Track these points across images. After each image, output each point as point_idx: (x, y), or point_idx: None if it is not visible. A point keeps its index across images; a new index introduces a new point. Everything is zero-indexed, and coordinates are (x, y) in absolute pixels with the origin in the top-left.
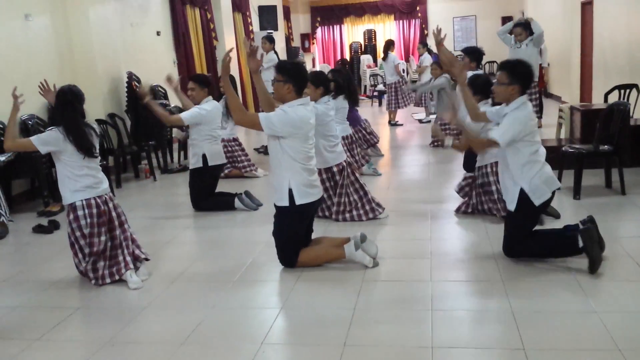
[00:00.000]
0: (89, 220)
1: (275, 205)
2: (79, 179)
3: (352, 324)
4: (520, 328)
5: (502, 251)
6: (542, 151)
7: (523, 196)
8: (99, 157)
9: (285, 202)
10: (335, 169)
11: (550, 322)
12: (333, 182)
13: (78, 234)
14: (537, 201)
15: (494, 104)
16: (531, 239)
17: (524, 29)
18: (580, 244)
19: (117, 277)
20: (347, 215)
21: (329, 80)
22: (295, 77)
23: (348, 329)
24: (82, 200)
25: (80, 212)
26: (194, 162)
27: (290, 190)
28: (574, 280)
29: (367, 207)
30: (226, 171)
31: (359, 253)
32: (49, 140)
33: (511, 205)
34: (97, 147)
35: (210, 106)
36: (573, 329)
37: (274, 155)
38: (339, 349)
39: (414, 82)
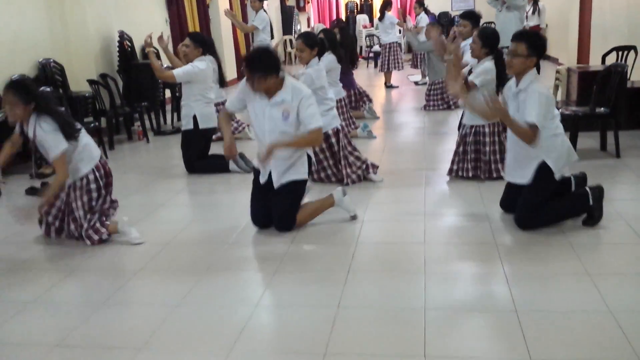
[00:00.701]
0: (101, 182)
1: (292, 181)
2: (82, 152)
3: (346, 286)
4: (513, 290)
5: (516, 224)
6: (559, 122)
7: (544, 168)
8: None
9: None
10: (330, 132)
11: (542, 284)
12: (328, 145)
13: (91, 201)
14: (558, 174)
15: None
16: (545, 208)
17: None
18: (591, 201)
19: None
20: (354, 176)
21: (322, 40)
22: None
23: (342, 290)
24: (92, 169)
25: (93, 185)
26: (185, 123)
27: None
28: (567, 243)
29: (364, 167)
30: (219, 134)
31: (346, 199)
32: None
33: (524, 179)
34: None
35: (204, 65)
36: (565, 291)
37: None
38: (333, 310)
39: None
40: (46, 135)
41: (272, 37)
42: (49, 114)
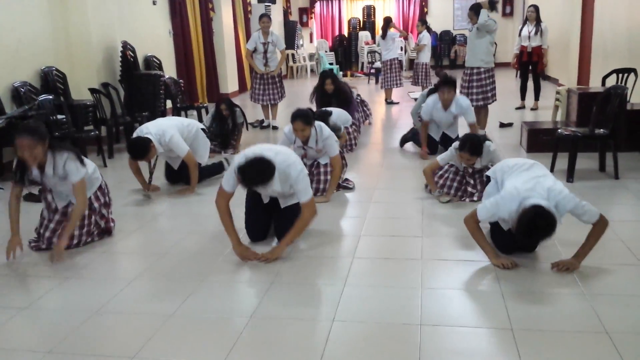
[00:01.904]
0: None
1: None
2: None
3: (342, 300)
4: (509, 308)
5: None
6: None
7: None
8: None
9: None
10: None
11: (539, 303)
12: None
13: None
14: None
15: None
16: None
17: (474, 13)
18: None
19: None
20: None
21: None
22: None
23: (337, 304)
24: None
25: (95, 204)
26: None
27: None
28: None
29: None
30: None
31: None
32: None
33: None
34: None
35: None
36: (561, 311)
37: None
38: (327, 324)
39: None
40: (69, 163)
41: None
42: (62, 147)
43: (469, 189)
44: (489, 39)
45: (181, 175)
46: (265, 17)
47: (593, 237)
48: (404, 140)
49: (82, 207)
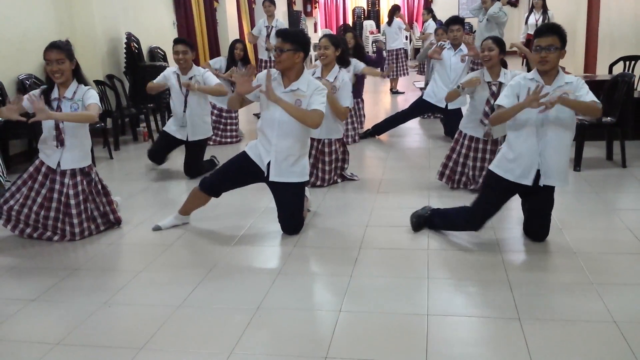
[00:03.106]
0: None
1: (294, 183)
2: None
3: (348, 291)
4: (516, 298)
5: (537, 239)
6: None
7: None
8: None
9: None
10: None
11: (546, 293)
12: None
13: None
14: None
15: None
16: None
17: None
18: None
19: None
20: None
21: (345, 40)
22: (305, 46)
23: (344, 295)
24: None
25: (94, 175)
26: (204, 133)
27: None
28: (572, 253)
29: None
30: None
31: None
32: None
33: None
34: None
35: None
36: (569, 301)
37: (304, 132)
38: (334, 315)
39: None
40: (92, 91)
41: None
42: (86, 80)
43: (472, 173)
44: (498, 31)
45: (199, 169)
46: (266, 2)
47: (585, 104)
48: (378, 129)
49: (89, 117)
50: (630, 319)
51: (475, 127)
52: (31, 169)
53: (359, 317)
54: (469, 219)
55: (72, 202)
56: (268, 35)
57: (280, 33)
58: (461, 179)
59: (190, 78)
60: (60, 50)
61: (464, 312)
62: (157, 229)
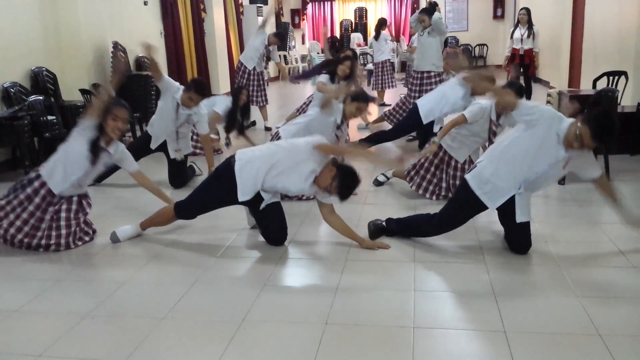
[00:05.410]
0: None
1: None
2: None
3: (334, 303)
4: (502, 310)
5: (520, 252)
6: None
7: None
8: None
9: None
10: None
11: (531, 305)
12: None
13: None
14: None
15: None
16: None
17: (427, 14)
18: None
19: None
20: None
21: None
22: None
23: (330, 307)
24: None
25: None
26: (189, 148)
27: None
28: (556, 265)
29: None
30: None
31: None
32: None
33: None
34: None
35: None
36: (554, 313)
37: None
38: (320, 327)
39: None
40: (125, 150)
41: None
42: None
43: (454, 182)
44: (439, 41)
45: (184, 179)
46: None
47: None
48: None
49: (153, 186)
50: (615, 331)
51: (459, 149)
52: (29, 190)
53: (345, 330)
54: (435, 225)
55: (63, 215)
56: (262, 54)
57: None
58: (428, 186)
59: (189, 115)
60: (128, 112)
61: (450, 325)
62: (115, 240)
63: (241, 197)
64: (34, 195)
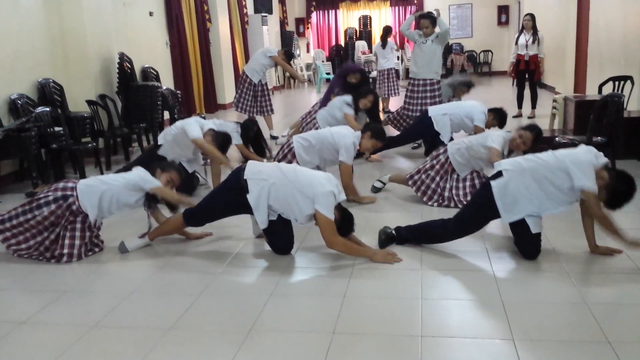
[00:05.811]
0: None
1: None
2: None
3: (342, 312)
4: (510, 318)
5: (531, 257)
6: None
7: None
8: None
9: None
10: None
11: (539, 313)
12: None
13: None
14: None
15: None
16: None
17: (431, 22)
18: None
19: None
20: None
21: None
22: None
23: (337, 316)
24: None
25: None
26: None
27: None
28: (564, 272)
29: None
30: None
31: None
32: None
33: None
34: None
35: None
36: (563, 320)
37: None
38: (327, 336)
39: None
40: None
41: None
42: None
43: (457, 192)
44: (441, 48)
45: (191, 188)
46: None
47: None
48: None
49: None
50: (625, 339)
51: (464, 165)
52: (46, 212)
53: (353, 339)
54: (451, 231)
55: (78, 226)
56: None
57: None
58: (426, 191)
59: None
60: (180, 176)
61: (458, 333)
62: (124, 250)
63: (261, 224)
64: (50, 215)
